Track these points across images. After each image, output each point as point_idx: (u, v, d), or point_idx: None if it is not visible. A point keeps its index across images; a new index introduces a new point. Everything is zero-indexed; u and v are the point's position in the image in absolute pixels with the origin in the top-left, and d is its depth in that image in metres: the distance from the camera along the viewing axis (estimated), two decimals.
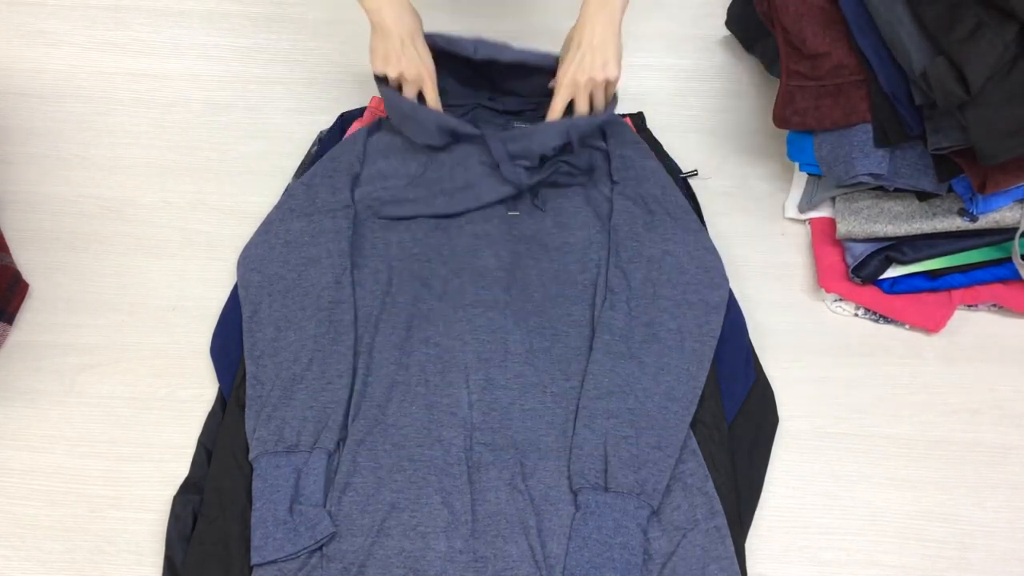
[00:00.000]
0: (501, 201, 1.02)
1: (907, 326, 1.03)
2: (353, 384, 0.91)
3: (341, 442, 0.88)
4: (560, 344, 0.94)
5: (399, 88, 1.00)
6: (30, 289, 1.03)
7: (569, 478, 0.86)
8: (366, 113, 1.11)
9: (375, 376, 0.91)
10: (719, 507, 0.86)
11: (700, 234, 0.99)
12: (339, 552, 0.83)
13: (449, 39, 1.01)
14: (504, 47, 1.01)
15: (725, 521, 0.85)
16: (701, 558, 0.83)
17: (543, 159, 1.01)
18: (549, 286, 0.97)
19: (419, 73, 0.98)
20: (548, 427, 0.89)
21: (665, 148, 1.11)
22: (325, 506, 0.85)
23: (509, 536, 0.84)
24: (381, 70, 0.98)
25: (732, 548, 0.84)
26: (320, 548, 0.83)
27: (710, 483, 0.87)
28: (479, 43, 1.01)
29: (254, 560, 0.82)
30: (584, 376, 0.91)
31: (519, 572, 0.82)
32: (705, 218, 1.06)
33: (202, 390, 0.96)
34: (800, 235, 1.09)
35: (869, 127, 0.95)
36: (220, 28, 1.25)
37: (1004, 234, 0.97)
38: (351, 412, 0.90)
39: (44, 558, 0.88)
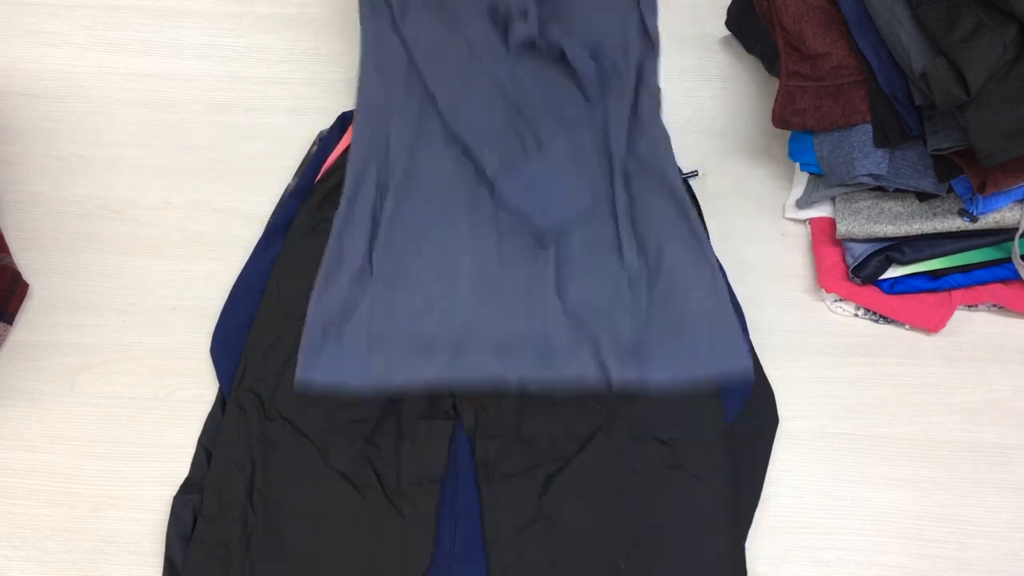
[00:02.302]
0: None
1: (907, 326, 1.03)
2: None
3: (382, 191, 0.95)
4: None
5: None
6: (30, 289, 1.03)
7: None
8: None
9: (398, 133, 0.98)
10: (715, 261, 0.91)
11: None
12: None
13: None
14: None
15: (720, 273, 0.90)
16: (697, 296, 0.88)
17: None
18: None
19: None
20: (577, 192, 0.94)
21: None
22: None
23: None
24: None
25: (729, 302, 0.88)
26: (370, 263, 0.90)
27: (708, 247, 0.92)
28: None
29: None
30: None
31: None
32: (705, 219, 1.06)
33: (202, 390, 0.97)
34: (800, 235, 1.09)
35: (869, 127, 0.95)
36: (220, 28, 1.25)
37: (1004, 234, 0.97)
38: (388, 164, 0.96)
39: (44, 558, 0.88)
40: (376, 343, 0.86)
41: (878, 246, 1.00)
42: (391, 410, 0.91)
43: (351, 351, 0.86)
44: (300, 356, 0.85)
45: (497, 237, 0.93)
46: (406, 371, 0.85)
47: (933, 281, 1.01)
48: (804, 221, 1.10)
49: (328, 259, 0.90)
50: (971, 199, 0.93)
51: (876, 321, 1.03)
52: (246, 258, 1.02)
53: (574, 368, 0.85)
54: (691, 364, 0.85)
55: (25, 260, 1.05)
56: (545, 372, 0.85)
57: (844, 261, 1.03)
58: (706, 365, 0.85)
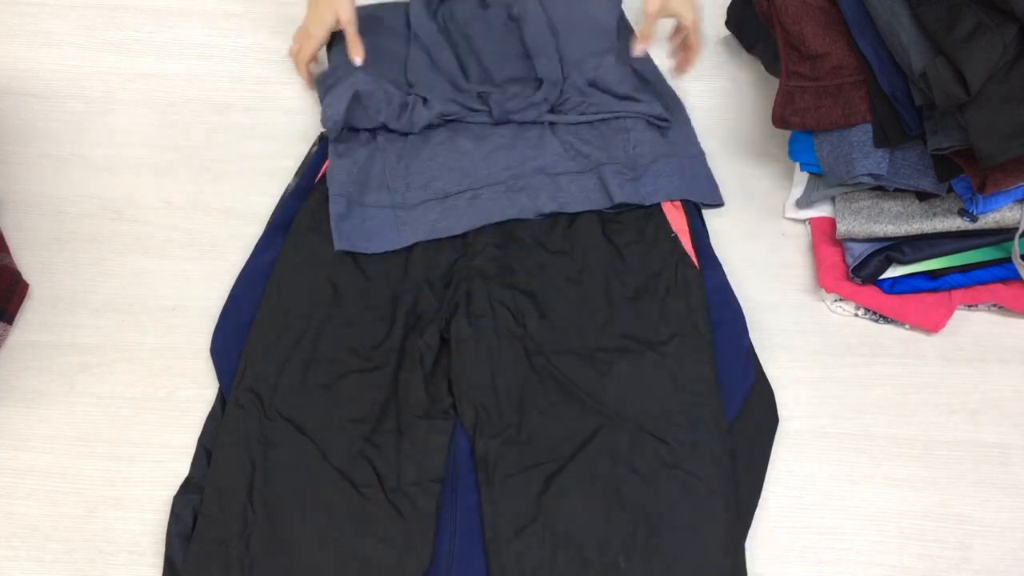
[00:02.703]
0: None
1: (907, 326, 1.03)
2: None
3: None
4: None
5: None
6: (30, 289, 1.03)
7: None
8: None
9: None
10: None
11: None
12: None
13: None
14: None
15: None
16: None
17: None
18: None
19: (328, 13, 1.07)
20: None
21: None
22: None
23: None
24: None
25: (700, 148, 1.10)
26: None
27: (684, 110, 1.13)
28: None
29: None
30: None
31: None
32: (705, 218, 1.07)
33: (202, 390, 0.97)
34: (800, 235, 1.09)
35: (869, 127, 0.95)
36: (220, 28, 1.25)
37: (1004, 234, 0.97)
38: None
39: (44, 558, 0.88)
40: (398, 204, 1.01)
41: (878, 246, 1.00)
42: (391, 409, 0.91)
43: (377, 216, 0.99)
44: (332, 228, 0.98)
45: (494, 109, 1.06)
46: (431, 223, 0.99)
47: (933, 281, 1.01)
48: (804, 221, 1.10)
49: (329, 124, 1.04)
50: (971, 199, 0.93)
51: (876, 321, 1.03)
52: (246, 258, 1.02)
53: (581, 190, 1.01)
54: (675, 185, 1.03)
55: (25, 260, 1.05)
56: (556, 198, 1.00)
57: (844, 261, 1.03)
58: (685, 187, 1.04)
